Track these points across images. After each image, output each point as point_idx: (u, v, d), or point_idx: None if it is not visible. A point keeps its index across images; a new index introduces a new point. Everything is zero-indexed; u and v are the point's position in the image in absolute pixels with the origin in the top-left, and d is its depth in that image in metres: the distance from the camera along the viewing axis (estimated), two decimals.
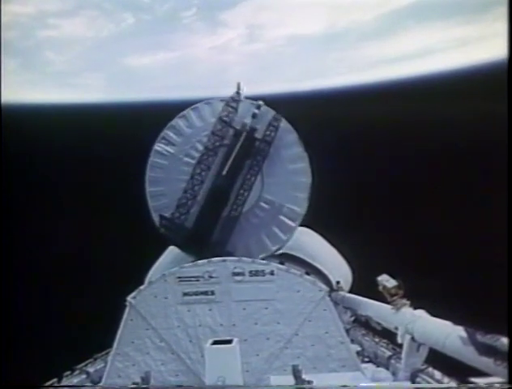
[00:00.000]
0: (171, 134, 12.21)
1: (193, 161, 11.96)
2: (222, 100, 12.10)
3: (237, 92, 12.01)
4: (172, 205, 11.81)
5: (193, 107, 12.29)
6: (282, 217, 11.97)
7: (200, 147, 12.00)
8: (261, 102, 12.06)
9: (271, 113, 11.93)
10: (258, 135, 11.83)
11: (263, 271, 9.28)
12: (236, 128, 11.90)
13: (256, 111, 11.90)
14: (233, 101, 11.90)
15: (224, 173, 11.67)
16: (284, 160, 12.04)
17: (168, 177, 12.04)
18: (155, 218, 11.89)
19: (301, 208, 11.96)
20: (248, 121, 11.86)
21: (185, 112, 12.28)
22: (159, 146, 12.15)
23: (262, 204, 12.02)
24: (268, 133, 11.77)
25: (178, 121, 12.24)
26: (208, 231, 11.69)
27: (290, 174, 11.99)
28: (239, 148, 11.74)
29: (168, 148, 12.13)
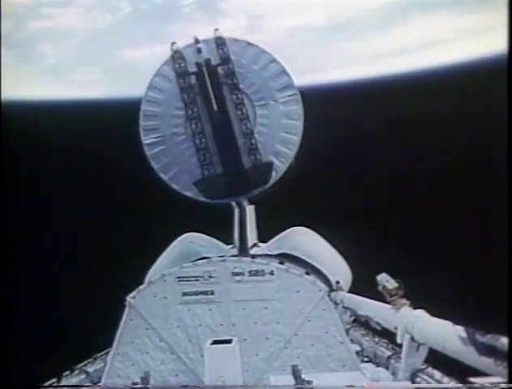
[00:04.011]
0: (148, 123, 12.51)
1: (182, 128, 12.33)
2: (165, 64, 12.50)
3: (173, 43, 12.35)
4: (190, 175, 12.20)
5: (148, 88, 12.63)
6: (283, 107, 12.45)
7: (180, 112, 12.35)
8: (196, 36, 12.45)
9: (211, 39, 12.32)
10: (215, 62, 12.49)
11: (263, 270, 9.26)
12: (195, 71, 12.50)
13: (199, 46, 12.42)
14: (176, 53, 12.30)
15: (215, 108, 12.05)
16: (249, 65, 12.71)
17: (174, 158, 12.42)
18: (188, 193, 12.23)
19: (293, 89, 12.43)
20: (198, 59, 12.26)
21: (145, 97, 12.62)
22: (146, 139, 12.47)
23: (261, 112, 12.44)
24: (221, 52, 12.46)
25: (146, 108, 12.62)
26: (238, 162, 12.32)
27: (262, 71, 12.74)
28: (210, 84, 12.26)
29: (153, 135, 12.48)
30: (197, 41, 12.49)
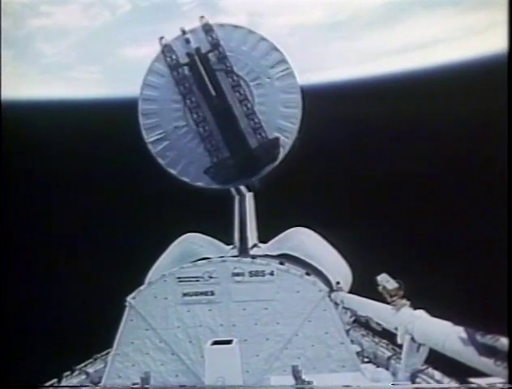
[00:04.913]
0: (149, 121, 12.56)
1: (183, 121, 12.38)
2: (156, 61, 12.56)
3: (161, 38, 12.38)
4: (198, 164, 12.26)
5: (142, 86, 12.65)
6: (278, 83, 12.53)
7: (178, 105, 12.44)
8: (182, 27, 12.49)
9: (199, 28, 12.37)
10: (206, 49, 12.52)
11: (263, 271, 9.27)
12: (187, 62, 12.55)
13: (187, 36, 12.45)
14: (165, 47, 12.33)
15: (213, 94, 12.08)
16: (239, 47, 12.71)
17: (180, 151, 12.50)
18: (200, 183, 12.36)
19: (286, 64, 12.48)
20: (188, 49, 12.31)
21: (141, 96, 12.68)
22: (149, 138, 12.51)
23: (258, 91, 12.55)
24: (210, 39, 12.50)
25: (144, 106, 12.67)
26: (245, 143, 12.52)
27: (252, 51, 12.75)
28: (205, 72, 12.34)
29: (155, 133, 12.52)
30: (184, 32, 12.53)
